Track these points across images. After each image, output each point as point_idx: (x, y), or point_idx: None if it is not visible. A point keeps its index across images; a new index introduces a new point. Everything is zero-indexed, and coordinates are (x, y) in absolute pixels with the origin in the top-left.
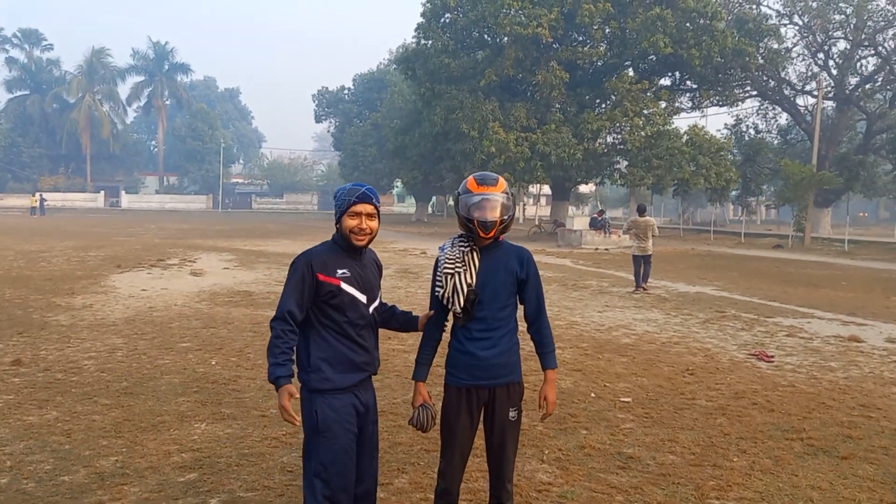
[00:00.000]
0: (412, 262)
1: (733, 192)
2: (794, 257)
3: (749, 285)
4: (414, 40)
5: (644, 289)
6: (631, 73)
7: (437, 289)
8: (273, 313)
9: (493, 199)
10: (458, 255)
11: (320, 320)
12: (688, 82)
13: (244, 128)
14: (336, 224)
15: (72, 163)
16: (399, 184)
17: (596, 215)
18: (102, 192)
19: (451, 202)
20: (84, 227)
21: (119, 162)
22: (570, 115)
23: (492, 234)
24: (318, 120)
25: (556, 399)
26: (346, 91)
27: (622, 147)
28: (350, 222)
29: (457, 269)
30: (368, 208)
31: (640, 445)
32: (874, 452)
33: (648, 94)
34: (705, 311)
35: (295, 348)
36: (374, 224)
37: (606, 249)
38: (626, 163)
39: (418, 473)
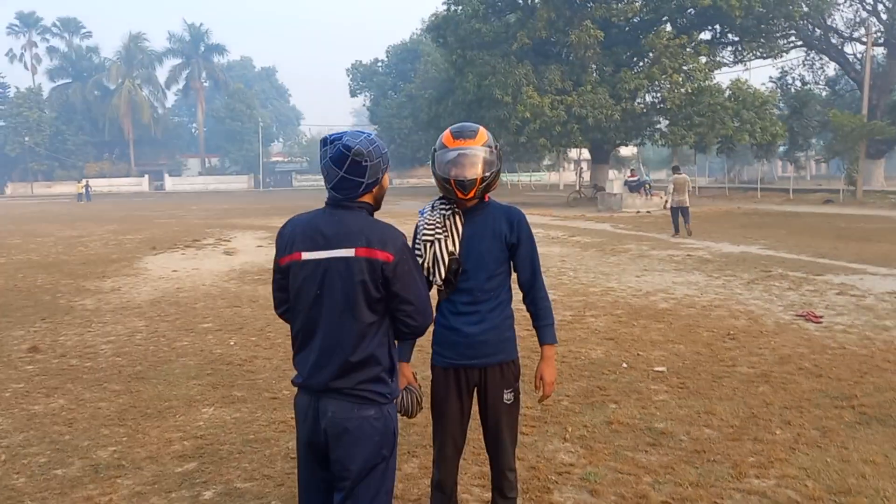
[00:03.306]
0: None
1: (780, 148)
2: (846, 212)
3: (797, 242)
4: (444, 6)
5: (689, 232)
6: (669, 28)
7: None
8: None
9: (472, 154)
10: (438, 220)
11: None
12: (729, 35)
13: (282, 106)
14: (374, 187)
15: (116, 148)
16: None
17: (629, 176)
18: (147, 177)
19: None
20: (127, 211)
21: (161, 146)
22: (607, 76)
23: (471, 194)
24: (352, 94)
25: (554, 379)
26: (379, 63)
27: (662, 106)
28: (388, 179)
29: (437, 236)
30: None
31: (674, 419)
32: None
33: (688, 49)
34: (750, 272)
35: (375, 351)
36: None
37: (648, 212)
38: (666, 122)
39: (429, 458)
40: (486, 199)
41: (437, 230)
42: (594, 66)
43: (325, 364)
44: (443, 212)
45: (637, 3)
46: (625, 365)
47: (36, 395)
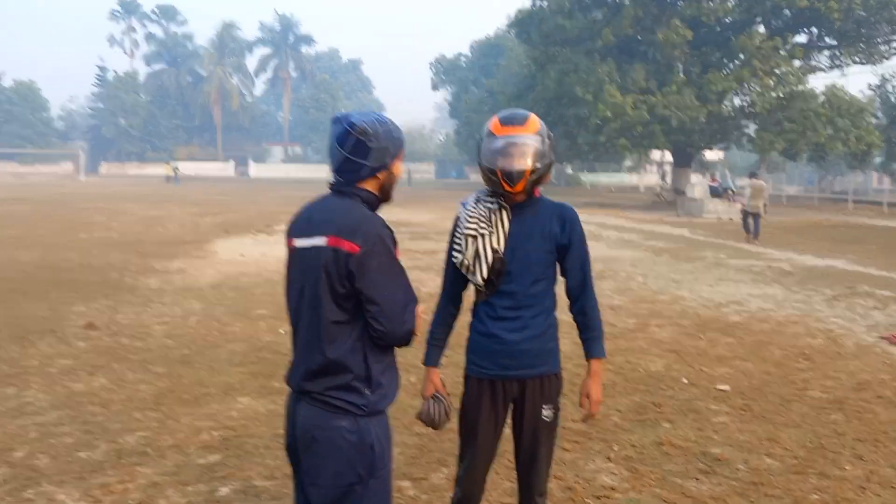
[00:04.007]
0: None
1: (877, 159)
2: None
3: (889, 259)
4: (530, 1)
5: (755, 241)
6: (762, 29)
7: (454, 255)
8: None
9: (522, 143)
10: (483, 214)
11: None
12: (826, 39)
13: (366, 98)
14: (380, 174)
15: (205, 133)
16: None
17: (711, 181)
18: (232, 162)
19: (569, 170)
20: (209, 194)
21: (247, 133)
22: (693, 76)
23: (519, 187)
24: (434, 88)
25: (601, 397)
26: (463, 58)
27: (750, 110)
28: (401, 167)
29: (481, 231)
30: None
31: (732, 445)
32: None
33: (781, 52)
34: (833, 287)
35: (345, 356)
36: None
37: (731, 219)
38: (754, 126)
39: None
40: (537, 195)
41: (482, 224)
42: (681, 66)
43: (300, 363)
44: (488, 205)
45: (729, 3)
46: (685, 380)
47: (80, 372)
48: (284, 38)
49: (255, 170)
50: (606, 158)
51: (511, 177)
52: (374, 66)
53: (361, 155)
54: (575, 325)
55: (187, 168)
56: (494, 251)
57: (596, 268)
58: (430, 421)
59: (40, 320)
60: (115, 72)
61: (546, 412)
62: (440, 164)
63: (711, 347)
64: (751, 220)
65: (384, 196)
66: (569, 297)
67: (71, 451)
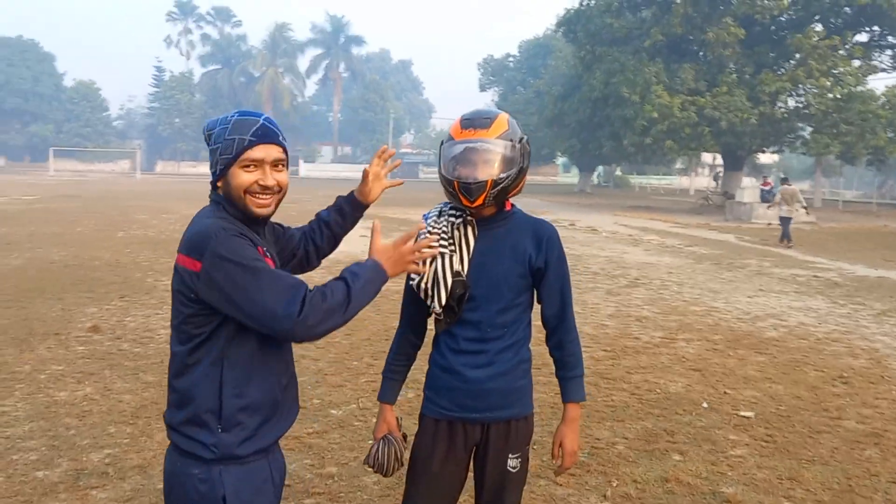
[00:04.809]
0: None
1: None
2: None
3: None
4: (578, 1)
5: (788, 245)
6: (819, 27)
7: (412, 275)
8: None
9: (483, 149)
10: (444, 230)
11: (234, 337)
12: (889, 37)
13: (415, 99)
14: (216, 181)
15: None
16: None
17: (762, 185)
18: None
19: (618, 171)
20: None
21: (298, 132)
22: (745, 77)
23: (479, 201)
24: (482, 89)
25: (577, 448)
26: (510, 59)
27: (805, 111)
28: (245, 177)
29: (441, 250)
30: (275, 152)
31: (747, 483)
32: None
33: (840, 51)
34: (883, 301)
35: (195, 383)
36: (283, 177)
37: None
38: (809, 129)
39: None
40: (508, 208)
41: (443, 242)
42: (732, 67)
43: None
44: (451, 219)
45: (785, 1)
46: (705, 405)
47: (68, 380)
48: (336, 39)
49: (304, 169)
50: (655, 160)
51: (469, 189)
52: (425, 66)
53: (210, 157)
54: (552, 361)
55: None
56: (456, 273)
57: (629, 275)
58: (379, 466)
59: (48, 322)
60: (171, 72)
61: (512, 462)
62: None
63: (740, 366)
64: (783, 225)
65: (232, 203)
66: (545, 328)
67: (30, 469)
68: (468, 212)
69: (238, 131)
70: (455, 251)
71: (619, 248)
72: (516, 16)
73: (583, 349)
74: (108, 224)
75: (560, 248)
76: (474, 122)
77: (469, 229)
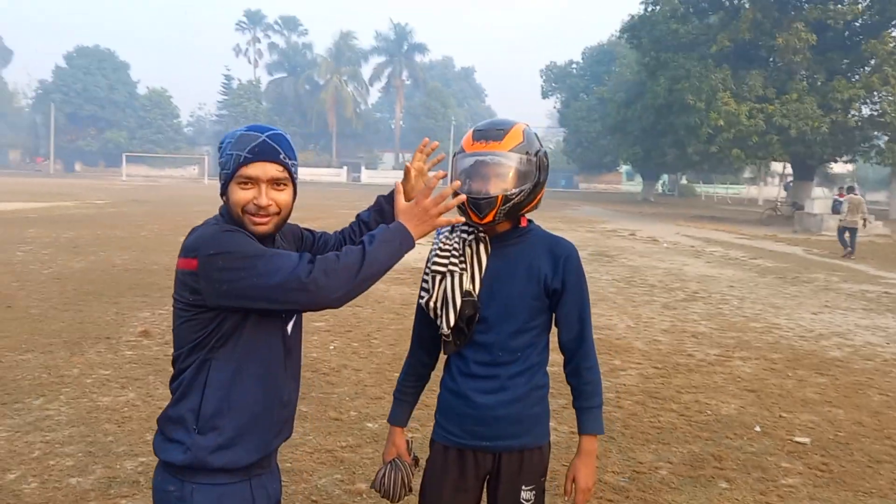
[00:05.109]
0: (614, 244)
1: None
2: None
3: None
4: (642, 6)
5: (850, 256)
6: None
7: (422, 293)
8: None
9: (494, 162)
10: (456, 247)
11: (227, 341)
12: None
13: (478, 106)
14: (222, 195)
15: (320, 140)
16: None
17: (837, 195)
18: (345, 168)
19: (684, 180)
20: (317, 199)
21: (361, 139)
22: (817, 84)
23: (489, 217)
24: (544, 96)
25: (592, 484)
26: (574, 65)
27: (881, 119)
28: (242, 195)
29: (451, 268)
30: (272, 170)
31: None
32: None
33: None
34: None
35: (178, 388)
36: (282, 196)
37: None
38: (885, 138)
39: None
40: (525, 224)
41: (454, 260)
42: (803, 73)
43: None
44: (463, 236)
45: (860, 5)
46: (758, 428)
47: (113, 385)
48: (399, 47)
49: (366, 176)
50: (721, 169)
51: (478, 205)
52: (488, 73)
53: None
54: (570, 389)
55: (303, 173)
56: (466, 293)
57: (688, 288)
58: (385, 492)
59: (102, 326)
60: (239, 80)
61: (526, 494)
62: (549, 172)
63: (798, 388)
64: (847, 235)
65: (229, 218)
66: (563, 353)
67: (64, 476)
68: (480, 228)
69: (237, 147)
70: (466, 269)
71: (680, 260)
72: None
73: (633, 365)
74: (171, 228)
75: (579, 269)
76: (487, 133)
77: (481, 247)
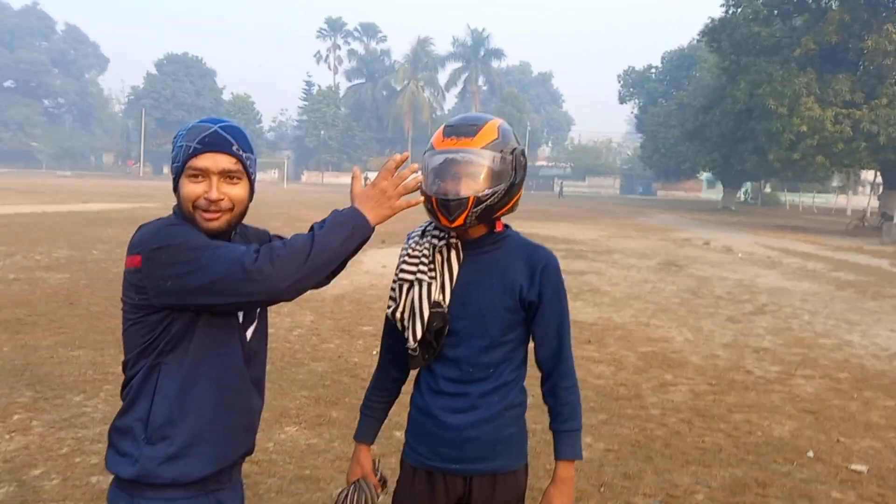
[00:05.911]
0: (685, 253)
1: None
2: None
3: None
4: (722, 9)
5: None
6: None
7: (390, 302)
8: None
9: (466, 161)
10: (425, 253)
11: (177, 345)
12: None
13: (554, 111)
14: (174, 190)
15: (397, 145)
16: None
17: None
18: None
19: (767, 188)
20: None
21: None
22: None
23: (459, 220)
24: (621, 101)
25: None
26: (652, 70)
27: None
28: (192, 188)
29: (419, 276)
30: (224, 161)
31: None
32: None
33: None
34: None
35: (127, 396)
36: (236, 191)
37: None
38: None
39: None
40: (500, 229)
41: (423, 267)
42: (894, 77)
43: None
44: (434, 241)
45: None
46: (810, 454)
47: None
48: (476, 53)
49: None
50: (806, 177)
51: (448, 207)
52: (565, 79)
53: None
54: (546, 409)
55: None
56: (434, 304)
57: (757, 300)
58: None
59: None
60: (319, 86)
61: None
62: (626, 178)
63: (863, 411)
64: None
65: (181, 214)
66: (539, 370)
67: (86, 474)
68: (451, 233)
69: (188, 138)
70: (436, 278)
71: (753, 271)
72: (662, 26)
73: (685, 380)
74: None
75: (558, 280)
76: (458, 129)
77: (453, 253)
